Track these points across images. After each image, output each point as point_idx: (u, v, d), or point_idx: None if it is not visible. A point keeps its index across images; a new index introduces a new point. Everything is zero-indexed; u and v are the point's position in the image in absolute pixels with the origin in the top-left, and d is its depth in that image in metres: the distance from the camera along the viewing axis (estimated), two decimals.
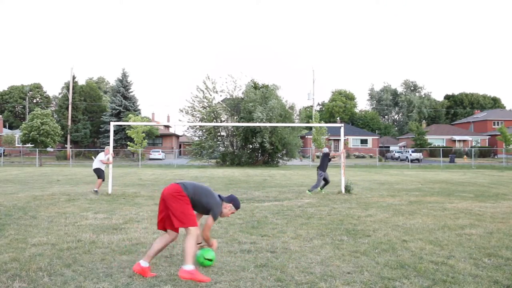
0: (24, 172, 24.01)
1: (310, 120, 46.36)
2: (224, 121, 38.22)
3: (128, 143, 40.95)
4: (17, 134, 49.12)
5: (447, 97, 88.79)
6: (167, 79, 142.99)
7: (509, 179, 19.21)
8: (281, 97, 37.87)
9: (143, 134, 39.36)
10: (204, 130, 37.50)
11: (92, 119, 53.10)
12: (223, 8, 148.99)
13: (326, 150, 12.45)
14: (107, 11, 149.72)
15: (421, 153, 46.99)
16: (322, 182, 12.09)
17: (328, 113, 79.56)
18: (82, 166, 34.33)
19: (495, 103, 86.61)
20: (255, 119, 32.98)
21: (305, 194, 11.93)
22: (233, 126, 36.88)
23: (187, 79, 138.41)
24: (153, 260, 4.77)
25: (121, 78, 53.00)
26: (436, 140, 60.79)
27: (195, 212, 4.32)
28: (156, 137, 53.68)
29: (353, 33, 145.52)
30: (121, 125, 45.50)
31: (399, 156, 49.52)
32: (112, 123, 12.82)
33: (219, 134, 37.50)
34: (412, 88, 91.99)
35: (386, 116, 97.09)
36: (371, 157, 55.25)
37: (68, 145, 48.85)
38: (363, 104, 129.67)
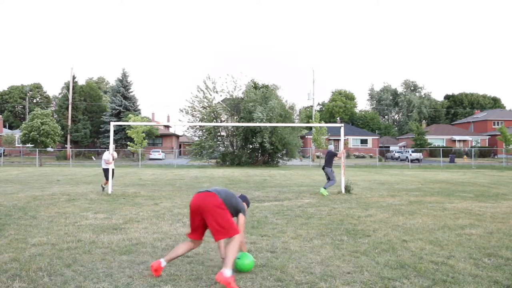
0: (24, 172, 24.01)
1: (310, 120, 46.34)
2: (224, 121, 38.22)
3: (128, 143, 40.95)
4: (17, 134, 49.12)
5: (447, 97, 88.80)
6: (167, 79, 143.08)
7: (509, 179, 19.21)
8: (281, 97, 37.92)
9: (143, 134, 39.36)
10: (204, 130, 37.50)
11: (92, 119, 53.11)
12: (223, 8, 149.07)
13: (331, 147, 12.35)
14: (107, 11, 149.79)
15: (421, 153, 46.99)
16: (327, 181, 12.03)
17: (328, 113, 79.57)
18: (82, 166, 34.34)
19: (495, 103, 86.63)
20: (255, 119, 32.98)
21: (310, 194, 11.85)
22: (233, 126, 36.88)
23: (187, 79, 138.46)
24: (153, 260, 4.77)
25: (121, 78, 53.01)
26: (436, 140, 60.79)
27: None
28: (156, 137, 53.68)
29: (353, 33, 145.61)
30: (121, 125, 45.50)
31: (399, 156, 49.52)
32: (112, 123, 12.83)
33: (219, 134, 37.50)
34: (412, 88, 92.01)
35: (386, 116, 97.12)
36: (371, 157, 55.26)
37: (68, 145, 48.85)
38: (363, 104, 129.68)
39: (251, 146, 36.64)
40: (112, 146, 12.57)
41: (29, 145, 38.16)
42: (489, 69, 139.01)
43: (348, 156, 52.45)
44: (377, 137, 63.89)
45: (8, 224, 6.91)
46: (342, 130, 13.16)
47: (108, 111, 51.62)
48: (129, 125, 39.51)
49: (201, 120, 36.40)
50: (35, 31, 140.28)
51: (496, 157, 53.72)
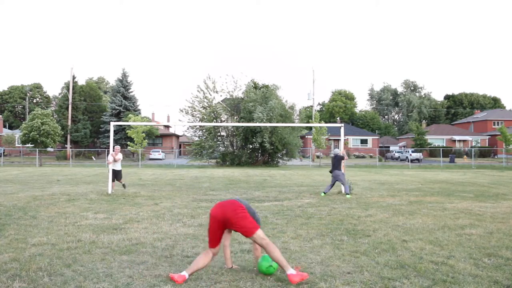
0: (24, 172, 24.01)
1: (310, 120, 46.34)
2: (224, 121, 38.22)
3: (128, 143, 40.95)
4: (17, 134, 49.13)
5: (447, 97, 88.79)
6: (167, 79, 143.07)
7: (509, 179, 19.21)
8: (281, 97, 37.93)
9: (143, 134, 39.36)
10: (204, 130, 37.50)
11: (92, 119, 53.11)
12: (223, 8, 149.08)
13: (337, 151, 12.03)
14: (107, 11, 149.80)
15: (421, 153, 46.98)
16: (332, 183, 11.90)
17: (328, 113, 79.57)
18: (82, 166, 34.34)
19: (495, 103, 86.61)
20: (255, 119, 32.98)
21: (318, 195, 11.62)
22: (233, 126, 36.88)
23: (187, 79, 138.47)
24: (153, 260, 4.78)
25: (121, 78, 53.00)
26: (436, 140, 60.78)
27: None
28: (156, 137, 53.66)
29: (353, 33, 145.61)
30: (121, 125, 45.50)
31: (399, 156, 49.52)
32: (112, 123, 12.83)
33: (219, 134, 37.50)
34: (412, 88, 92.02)
35: (386, 116, 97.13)
36: (371, 157, 55.26)
37: (68, 145, 48.85)
38: (363, 104, 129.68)
39: (251, 146, 36.64)
40: (117, 146, 12.55)
41: (29, 145, 38.16)
42: (489, 69, 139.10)
43: (348, 156, 52.44)
44: (377, 137, 63.88)
45: (8, 224, 6.91)
46: (342, 130, 13.17)
47: (108, 111, 51.62)
48: (129, 125, 39.51)
49: (201, 120, 36.41)
50: (35, 31, 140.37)
51: (496, 157, 53.72)
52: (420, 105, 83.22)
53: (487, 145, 60.02)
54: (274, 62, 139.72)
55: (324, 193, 11.73)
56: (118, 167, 12.40)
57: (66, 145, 50.29)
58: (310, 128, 54.66)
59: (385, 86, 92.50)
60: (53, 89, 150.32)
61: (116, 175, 12.37)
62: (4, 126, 64.07)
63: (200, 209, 8.83)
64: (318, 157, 46.71)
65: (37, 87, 78.44)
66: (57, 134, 36.39)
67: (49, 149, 38.15)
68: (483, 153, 54.41)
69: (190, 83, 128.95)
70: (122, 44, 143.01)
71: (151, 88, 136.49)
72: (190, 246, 5.49)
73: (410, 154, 44.13)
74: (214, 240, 4.27)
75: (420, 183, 16.50)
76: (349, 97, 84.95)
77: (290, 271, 3.98)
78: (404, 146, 64.02)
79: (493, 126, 61.76)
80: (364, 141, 62.11)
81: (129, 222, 7.26)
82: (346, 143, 58.46)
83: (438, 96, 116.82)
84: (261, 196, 11.57)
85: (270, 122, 32.24)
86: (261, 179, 18.76)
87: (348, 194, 11.34)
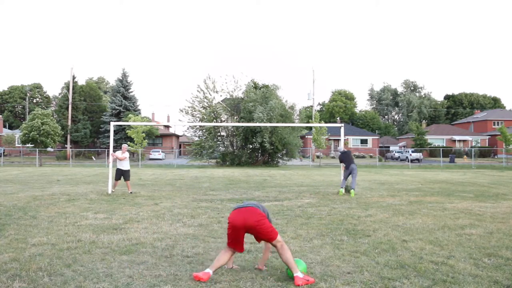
0: (24, 172, 24.01)
1: (310, 120, 46.33)
2: (224, 121, 38.21)
3: (128, 143, 40.96)
4: (17, 134, 49.13)
5: (447, 97, 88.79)
6: (167, 79, 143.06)
7: (509, 179, 19.21)
8: (281, 97, 37.92)
9: (143, 134, 39.36)
10: (204, 130, 37.50)
11: (92, 119, 53.11)
12: (223, 8, 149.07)
13: (341, 148, 12.41)
14: (107, 11, 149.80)
15: (421, 153, 46.98)
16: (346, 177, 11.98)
17: (328, 113, 79.57)
18: (82, 166, 34.34)
19: (495, 103, 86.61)
20: (255, 119, 32.98)
21: (347, 195, 11.61)
22: (233, 126, 36.88)
23: (187, 79, 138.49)
24: (153, 260, 4.78)
25: (121, 78, 53.01)
26: (436, 140, 60.78)
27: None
28: (156, 137, 53.67)
29: (353, 33, 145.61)
30: (121, 125, 45.49)
31: (399, 156, 49.52)
32: (112, 123, 12.82)
33: (219, 134, 37.50)
34: (412, 88, 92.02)
35: (386, 116, 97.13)
36: (371, 157, 55.26)
37: (68, 145, 48.86)
38: (363, 104, 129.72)
39: (251, 146, 36.64)
40: (124, 145, 12.36)
41: (29, 145, 38.17)
42: (489, 69, 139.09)
43: None
44: (377, 137, 63.89)
45: (8, 224, 6.91)
46: (342, 130, 13.17)
47: (108, 111, 51.62)
48: (129, 125, 39.50)
49: (201, 120, 36.41)
50: (35, 31, 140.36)
51: (496, 157, 53.72)
52: (420, 105, 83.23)
53: (487, 145, 60.02)
54: (274, 62, 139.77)
55: (342, 188, 11.83)
56: (125, 166, 12.13)
57: (66, 145, 50.29)
58: (310, 128, 54.66)
59: (385, 86, 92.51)
60: (53, 89, 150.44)
61: (124, 174, 12.08)
62: (4, 126, 64.08)
63: (200, 209, 8.83)
64: (318, 157, 46.70)
65: (37, 87, 78.44)
66: (57, 134, 36.39)
67: (49, 149, 38.15)
68: (483, 153, 54.41)
69: (190, 83, 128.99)
70: (122, 44, 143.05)
71: (151, 88, 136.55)
72: (190, 246, 5.49)
73: (410, 154, 44.13)
74: (233, 243, 4.30)
75: (420, 183, 16.50)
76: (349, 97, 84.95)
77: (298, 273, 4.02)
78: (404, 146, 64.02)
79: (493, 126, 61.76)
80: (364, 141, 62.12)
81: (129, 222, 7.26)
82: (346, 143, 58.42)
83: (438, 96, 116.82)
84: (261, 196, 11.57)
85: (270, 122, 32.24)
86: (261, 179, 18.77)
87: (353, 189, 11.62)
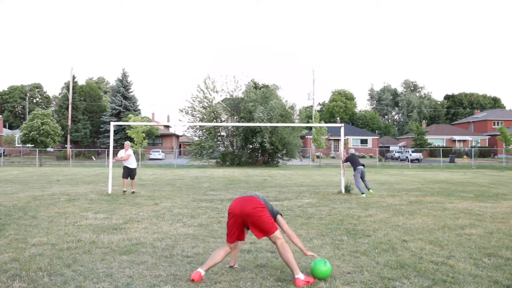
0: (24, 172, 24.01)
1: (310, 120, 46.34)
2: (224, 121, 38.22)
3: (129, 142, 40.94)
4: (17, 134, 49.14)
5: (447, 97, 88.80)
6: (167, 79, 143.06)
7: (509, 179, 19.21)
8: (281, 97, 37.94)
9: (143, 134, 39.36)
10: (204, 130, 37.50)
11: (92, 119, 53.11)
12: (223, 8, 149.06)
13: (352, 151, 12.52)
14: (107, 11, 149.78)
15: (421, 153, 46.98)
16: (360, 181, 11.92)
17: (328, 113, 79.57)
18: (82, 166, 34.34)
19: (495, 103, 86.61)
20: (255, 119, 32.98)
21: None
22: (233, 126, 36.89)
23: (187, 79, 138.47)
24: (153, 260, 4.78)
25: (121, 78, 53.02)
26: (436, 140, 60.79)
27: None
28: (156, 137, 53.67)
29: (353, 33, 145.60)
30: (121, 125, 45.49)
31: (399, 156, 49.52)
32: (112, 123, 12.82)
33: (219, 134, 37.51)
34: (412, 88, 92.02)
35: (386, 116, 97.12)
36: (371, 157, 55.25)
37: (68, 145, 48.85)
38: (363, 104, 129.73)
39: (251, 146, 36.65)
40: (127, 142, 12.19)
41: (29, 145, 38.17)
42: (489, 69, 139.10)
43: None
44: (377, 137, 63.90)
45: (8, 224, 6.91)
46: (342, 130, 13.17)
47: (108, 111, 51.63)
48: (129, 125, 39.49)
49: (201, 120, 36.41)
50: (35, 31, 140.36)
51: (496, 157, 53.71)
52: (420, 105, 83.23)
53: (487, 145, 60.02)
54: (274, 62, 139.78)
55: (365, 192, 11.58)
56: (132, 164, 12.01)
57: (66, 145, 50.29)
58: (310, 128, 54.66)
59: (385, 86, 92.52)
60: (53, 89, 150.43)
61: (130, 173, 11.97)
62: (4, 126, 64.08)
63: (200, 209, 8.83)
64: (318, 157, 46.69)
65: (37, 87, 78.46)
66: (57, 134, 36.39)
67: (49, 149, 38.15)
68: (483, 153, 54.40)
69: (190, 83, 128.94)
70: (122, 44, 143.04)
71: (151, 88, 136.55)
72: (190, 246, 5.49)
73: (410, 154, 44.14)
74: (232, 235, 4.26)
75: (420, 183, 16.50)
76: (349, 97, 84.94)
77: (299, 275, 3.99)
78: (404, 146, 64.02)
79: (493, 126, 61.77)
80: (364, 141, 62.13)
81: (129, 222, 7.26)
82: (346, 143, 58.43)
83: (438, 96, 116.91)
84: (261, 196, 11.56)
85: (270, 122, 32.25)
86: (261, 179, 18.77)
87: (369, 189, 11.91)
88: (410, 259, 4.82)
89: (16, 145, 51.51)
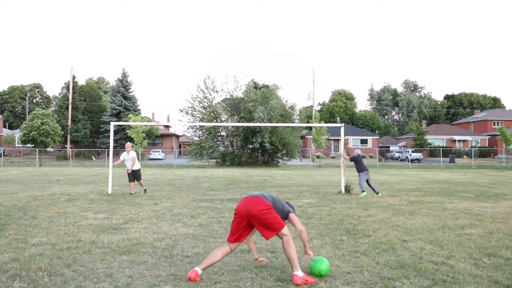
0: (24, 172, 24.01)
1: (310, 120, 46.35)
2: (224, 121, 38.23)
3: (129, 142, 40.96)
4: (17, 134, 49.15)
5: (447, 97, 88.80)
6: (167, 79, 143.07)
7: (509, 179, 19.21)
8: (281, 97, 37.96)
9: (143, 134, 39.37)
10: (204, 130, 37.51)
11: (92, 119, 53.11)
12: (223, 8, 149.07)
13: (358, 151, 12.41)
14: (107, 11, 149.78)
15: (421, 153, 46.99)
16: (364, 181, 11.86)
17: (328, 113, 79.58)
18: (82, 166, 34.33)
19: (495, 103, 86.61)
20: (255, 119, 32.99)
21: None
22: (233, 126, 36.89)
23: (187, 79, 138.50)
24: (153, 260, 4.78)
25: (121, 78, 53.02)
26: (436, 140, 60.79)
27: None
28: (156, 137, 53.67)
29: (353, 33, 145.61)
30: (121, 125, 45.49)
31: (399, 156, 49.52)
32: (112, 123, 12.83)
33: (219, 134, 37.51)
34: (412, 88, 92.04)
35: (386, 116, 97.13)
36: (371, 157, 55.26)
37: (68, 145, 48.85)
38: (363, 104, 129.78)
39: (251, 146, 36.66)
40: (127, 144, 12.06)
41: (29, 145, 38.17)
42: (489, 69, 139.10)
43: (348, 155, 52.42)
44: (377, 137, 63.91)
45: (8, 224, 6.91)
46: (342, 130, 13.17)
47: (108, 111, 51.63)
48: (129, 125, 39.51)
49: (201, 120, 36.41)
50: (35, 31, 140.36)
51: (496, 157, 53.72)
52: (420, 105, 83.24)
53: (487, 145, 60.02)
54: (274, 62, 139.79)
55: (378, 193, 11.58)
56: (135, 166, 11.82)
57: (66, 145, 50.29)
58: (310, 128, 54.66)
59: (385, 86, 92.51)
60: (53, 89, 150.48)
61: (135, 174, 11.82)
62: (4, 126, 64.08)
63: (200, 209, 8.83)
64: (318, 157, 46.69)
65: (37, 87, 78.45)
66: (57, 134, 36.40)
67: (49, 149, 38.15)
68: (483, 153, 54.41)
69: (190, 83, 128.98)
70: (122, 44, 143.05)
71: (151, 88, 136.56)
72: (190, 246, 5.49)
73: (410, 154, 44.14)
74: (234, 234, 4.25)
75: (420, 183, 16.50)
76: (349, 97, 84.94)
77: (298, 272, 4.01)
78: (404, 146, 64.03)
79: (493, 126, 61.77)
80: (364, 141, 62.13)
81: (129, 222, 7.26)
82: (346, 143, 58.43)
83: (438, 96, 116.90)
84: None
85: (270, 122, 32.26)
86: (261, 179, 18.77)
87: (377, 193, 11.74)
88: (410, 259, 4.82)
89: (16, 145, 51.51)
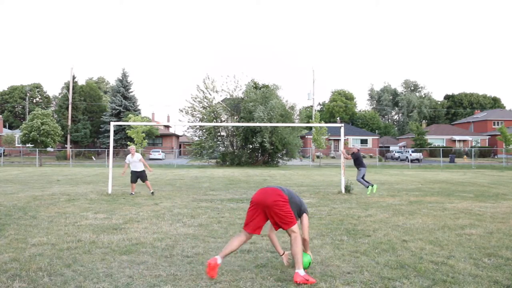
0: (24, 172, 24.01)
1: (310, 120, 46.34)
2: (224, 121, 38.22)
3: (128, 143, 40.95)
4: (17, 134, 49.14)
5: (447, 97, 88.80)
6: (167, 79, 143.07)
7: (509, 179, 19.21)
8: (281, 97, 37.96)
9: (143, 134, 39.35)
10: (204, 130, 37.50)
11: (92, 119, 53.11)
12: (223, 8, 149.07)
13: (358, 146, 12.62)
14: (107, 11, 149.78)
15: (421, 153, 46.98)
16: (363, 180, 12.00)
17: (328, 113, 79.58)
18: (82, 166, 34.33)
19: (495, 103, 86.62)
20: (255, 119, 32.99)
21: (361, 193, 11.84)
22: (233, 126, 36.89)
23: (187, 79, 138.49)
24: (153, 260, 4.78)
25: (121, 78, 53.00)
26: (436, 140, 60.79)
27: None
28: (156, 137, 53.67)
29: (353, 33, 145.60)
30: (121, 125, 45.50)
31: (399, 156, 49.51)
32: (112, 123, 12.83)
33: (219, 134, 37.51)
34: (412, 88, 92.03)
35: (386, 116, 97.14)
36: (371, 157, 55.25)
37: (68, 145, 48.85)
38: (363, 104, 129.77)
39: (251, 146, 36.65)
40: (131, 147, 11.84)
41: (29, 145, 38.16)
42: (489, 69, 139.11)
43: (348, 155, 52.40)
44: (377, 137, 63.91)
45: (8, 224, 6.91)
46: (342, 130, 13.17)
47: (108, 111, 51.62)
48: (129, 125, 39.51)
49: (201, 120, 36.41)
50: (35, 31, 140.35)
51: (496, 157, 53.71)
52: (420, 105, 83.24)
53: (487, 145, 60.02)
54: (274, 62, 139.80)
55: (371, 186, 11.69)
56: (139, 167, 11.64)
57: (66, 145, 50.29)
58: (310, 128, 54.67)
59: (385, 86, 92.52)
60: (53, 89, 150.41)
61: (140, 176, 11.65)
62: (4, 126, 64.08)
63: (200, 209, 8.83)
64: (318, 157, 46.69)
65: (37, 87, 78.43)
66: (57, 134, 36.39)
67: (49, 149, 38.13)
68: (483, 153, 54.41)
69: (190, 83, 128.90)
70: (122, 44, 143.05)
71: (151, 88, 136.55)
72: (190, 246, 5.49)
73: (410, 154, 44.13)
74: (248, 223, 4.29)
75: (420, 183, 16.50)
76: (349, 97, 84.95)
77: (300, 270, 4.03)
78: (404, 146, 64.02)
79: (493, 126, 61.77)
80: (364, 141, 62.12)
81: (129, 222, 7.26)
82: (346, 143, 58.44)
83: (438, 96, 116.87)
84: None
85: (270, 122, 32.26)
86: (261, 179, 18.76)
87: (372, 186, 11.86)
88: (410, 259, 4.82)
89: (16, 145, 51.50)
